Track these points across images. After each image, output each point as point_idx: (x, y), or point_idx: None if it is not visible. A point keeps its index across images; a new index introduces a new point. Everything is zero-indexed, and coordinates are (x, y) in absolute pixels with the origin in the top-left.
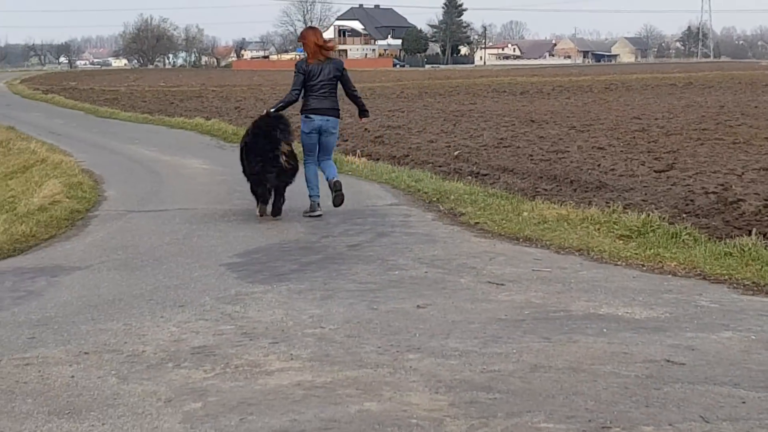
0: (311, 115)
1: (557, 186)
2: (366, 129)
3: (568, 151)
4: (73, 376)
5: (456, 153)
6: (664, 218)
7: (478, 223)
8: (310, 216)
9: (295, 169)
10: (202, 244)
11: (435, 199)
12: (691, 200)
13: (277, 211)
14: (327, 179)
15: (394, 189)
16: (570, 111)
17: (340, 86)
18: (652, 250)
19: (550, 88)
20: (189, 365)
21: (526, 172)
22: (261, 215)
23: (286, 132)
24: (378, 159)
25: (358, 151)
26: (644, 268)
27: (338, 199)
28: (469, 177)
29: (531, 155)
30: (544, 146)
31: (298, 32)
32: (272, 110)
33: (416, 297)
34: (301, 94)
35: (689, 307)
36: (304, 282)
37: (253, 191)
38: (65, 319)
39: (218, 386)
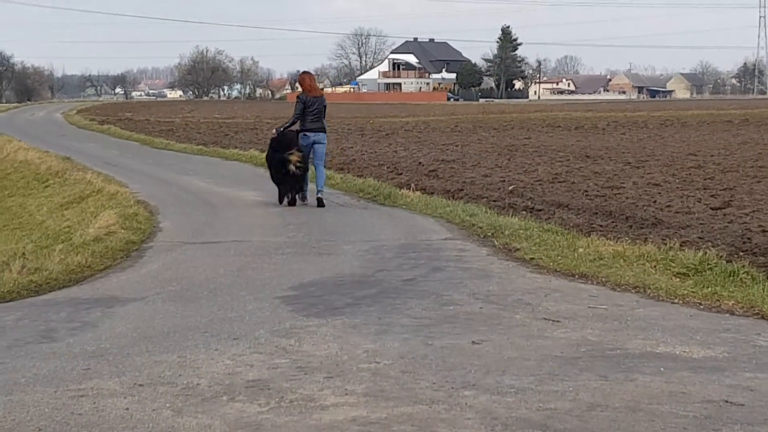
0: (308, 133)
1: (613, 222)
2: (420, 163)
3: (624, 187)
4: (127, 409)
5: (510, 188)
6: (721, 256)
7: (533, 258)
8: (319, 199)
9: (306, 170)
10: (257, 277)
11: (490, 234)
12: (749, 238)
13: (292, 203)
14: (317, 188)
15: (449, 223)
16: (625, 147)
17: None
18: (709, 289)
19: (605, 124)
20: (243, 399)
21: (581, 207)
22: (281, 204)
23: (294, 142)
24: (432, 193)
25: (413, 184)
26: (701, 307)
27: (320, 204)
28: (524, 212)
29: (586, 191)
30: (599, 182)
31: (353, 65)
32: (280, 129)
33: (471, 333)
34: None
35: (748, 347)
36: (358, 316)
37: (278, 189)
38: (120, 350)
39: (273, 420)
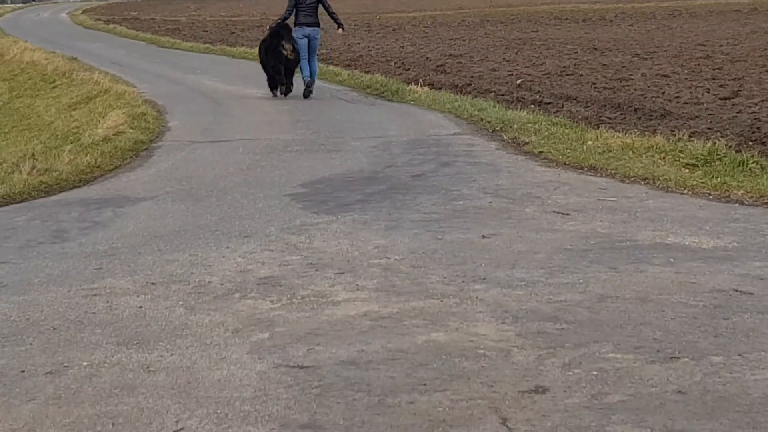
0: (303, 27)
1: (621, 114)
2: (428, 58)
3: (632, 79)
4: (140, 307)
5: (519, 81)
6: (730, 146)
7: (542, 152)
8: (306, 88)
9: (297, 60)
10: (266, 175)
11: (498, 128)
12: (758, 128)
13: (287, 92)
14: (303, 77)
15: (457, 118)
16: (633, 38)
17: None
18: (718, 179)
19: (612, 15)
20: (256, 296)
21: (589, 100)
22: (275, 96)
23: (289, 34)
24: (440, 88)
25: (420, 80)
26: (711, 197)
27: (306, 93)
28: (532, 106)
29: (594, 83)
30: (607, 74)
31: None
32: (272, 24)
33: (481, 227)
34: (293, 13)
35: (757, 237)
36: (368, 212)
37: (270, 80)
38: (132, 249)
39: (285, 317)
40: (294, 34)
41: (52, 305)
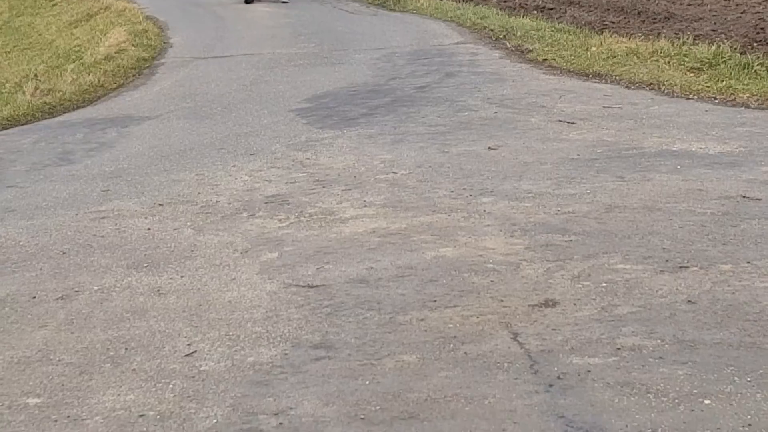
0: None
1: (625, 18)
2: None
3: None
4: (149, 229)
5: None
6: (735, 48)
7: (546, 59)
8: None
9: None
10: (270, 90)
11: (502, 36)
12: (762, 29)
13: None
14: None
15: (460, 27)
16: None
17: None
18: (723, 82)
19: None
20: (263, 215)
21: (592, 4)
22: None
23: None
24: None
25: None
26: (716, 101)
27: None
28: (535, 12)
29: None
30: None
31: None
32: None
33: (487, 138)
34: None
35: (764, 140)
36: (373, 126)
37: None
38: (138, 170)
39: (293, 235)
40: None
41: (61, 229)
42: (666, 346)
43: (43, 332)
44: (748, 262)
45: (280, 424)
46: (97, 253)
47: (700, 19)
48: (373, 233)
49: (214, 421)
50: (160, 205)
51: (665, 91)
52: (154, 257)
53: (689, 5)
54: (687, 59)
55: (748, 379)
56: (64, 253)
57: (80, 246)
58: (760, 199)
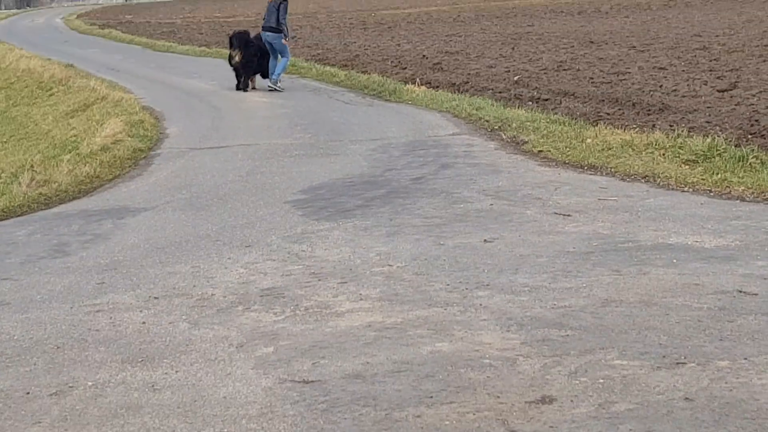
0: (264, 32)
1: (619, 109)
2: (424, 56)
3: (629, 72)
4: (144, 323)
5: (516, 78)
6: (729, 141)
7: (541, 151)
8: (270, 88)
9: (247, 65)
10: (266, 181)
11: (497, 127)
12: (756, 120)
13: (241, 88)
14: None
15: (456, 118)
16: (629, 30)
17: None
18: (718, 175)
19: (608, 7)
20: (259, 308)
21: (587, 95)
22: (237, 89)
23: (239, 42)
24: (437, 86)
25: (417, 79)
26: (711, 194)
27: (270, 89)
28: (530, 103)
29: (591, 78)
30: (604, 68)
31: None
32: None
33: (482, 231)
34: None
35: (759, 234)
36: (369, 218)
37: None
38: (133, 262)
39: (289, 329)
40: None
41: (55, 323)
42: None
43: (36, 429)
44: (746, 359)
45: None
46: (91, 347)
47: (695, 111)
48: (369, 327)
49: None
50: (155, 298)
51: (660, 184)
52: (148, 351)
53: (683, 97)
54: (682, 151)
55: None
56: (58, 348)
57: (75, 340)
58: (756, 294)
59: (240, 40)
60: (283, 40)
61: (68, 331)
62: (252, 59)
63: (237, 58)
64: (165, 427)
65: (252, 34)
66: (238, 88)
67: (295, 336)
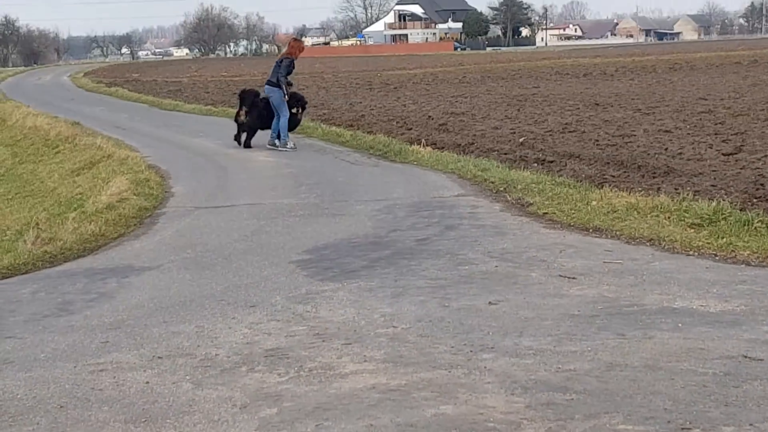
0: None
1: (625, 172)
2: (430, 116)
3: (635, 135)
4: (147, 382)
5: (521, 140)
6: (735, 204)
7: (546, 213)
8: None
9: (250, 123)
10: (271, 241)
11: (502, 188)
12: (762, 184)
13: (242, 145)
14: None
15: (461, 179)
16: (634, 93)
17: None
18: (724, 239)
19: (613, 69)
20: (263, 369)
21: (592, 158)
22: (239, 145)
23: (248, 100)
24: (443, 147)
25: (423, 139)
26: (717, 258)
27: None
28: (536, 164)
29: (597, 140)
30: (609, 130)
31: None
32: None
33: (487, 293)
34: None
35: (765, 299)
36: (374, 279)
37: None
38: (137, 321)
39: (293, 391)
40: None
41: (59, 382)
42: None
43: None
44: (751, 425)
45: None
46: (95, 407)
47: (700, 174)
48: (373, 389)
49: None
50: (159, 357)
51: (666, 247)
52: (152, 412)
53: (689, 160)
54: (687, 215)
55: None
56: (61, 407)
57: (78, 399)
58: (762, 360)
59: (247, 100)
60: (284, 97)
61: (72, 390)
62: (256, 120)
63: (242, 117)
64: None
65: (261, 95)
66: (236, 139)
67: (299, 397)
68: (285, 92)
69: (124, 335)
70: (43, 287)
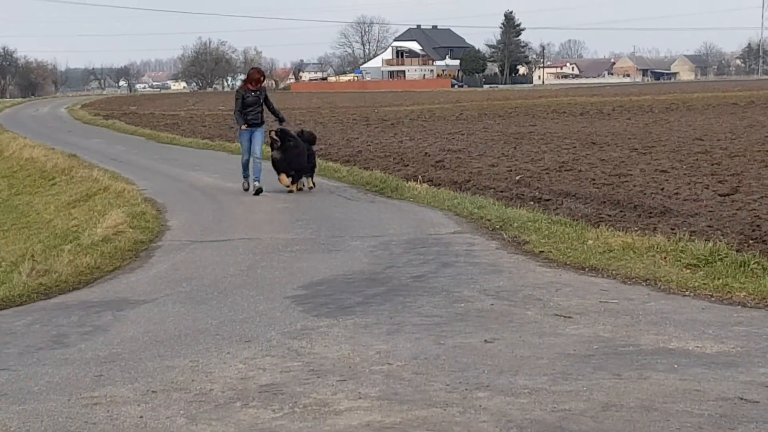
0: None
1: (621, 211)
2: (426, 153)
3: (631, 175)
4: (141, 417)
5: (518, 178)
6: (731, 246)
7: (542, 251)
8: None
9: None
10: (266, 276)
11: (498, 226)
12: (758, 225)
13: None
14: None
15: (457, 216)
16: (631, 132)
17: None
18: (720, 280)
19: (610, 109)
20: (257, 404)
21: (588, 196)
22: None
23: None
24: (440, 184)
25: (420, 176)
26: (713, 299)
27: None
28: (532, 202)
29: (593, 179)
30: (606, 169)
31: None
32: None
33: (483, 331)
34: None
35: (761, 341)
36: (369, 315)
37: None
38: (132, 355)
39: (287, 427)
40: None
41: (52, 415)
42: None
43: None
44: None
45: None
46: None
47: (696, 214)
48: (368, 427)
49: None
50: (153, 392)
51: (661, 288)
52: None
53: (685, 200)
54: (683, 255)
55: None
56: None
57: None
58: (758, 402)
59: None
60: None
61: (65, 424)
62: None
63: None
64: None
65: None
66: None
67: None
68: (239, 126)
69: (118, 369)
70: (38, 319)
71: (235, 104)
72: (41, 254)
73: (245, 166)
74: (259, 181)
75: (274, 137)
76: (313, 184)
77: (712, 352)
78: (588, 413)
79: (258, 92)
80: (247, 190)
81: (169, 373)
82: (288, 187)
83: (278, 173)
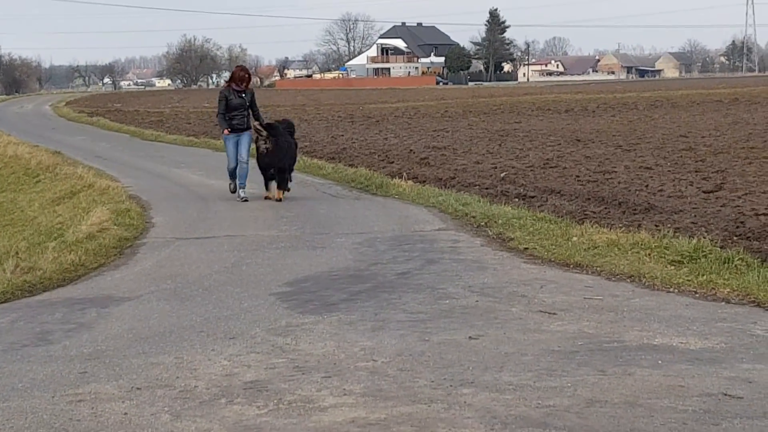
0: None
1: (605, 208)
2: (411, 150)
3: (615, 171)
4: (126, 413)
5: (503, 175)
6: (715, 242)
7: (527, 248)
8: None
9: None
10: (251, 273)
11: (483, 223)
12: (742, 222)
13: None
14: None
15: (442, 213)
16: (616, 129)
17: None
18: (704, 277)
19: (594, 106)
20: (242, 401)
21: (573, 193)
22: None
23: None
24: (424, 181)
25: (404, 173)
26: (697, 295)
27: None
28: (516, 199)
29: (578, 176)
30: (590, 166)
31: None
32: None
33: (468, 327)
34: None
35: (744, 337)
36: (354, 312)
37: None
38: (116, 352)
39: (272, 423)
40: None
41: (36, 412)
42: None
43: None
44: None
45: None
46: None
47: (680, 211)
48: (353, 423)
49: None
50: (137, 388)
51: (646, 284)
52: None
53: (669, 197)
54: (668, 252)
55: None
56: None
57: (56, 430)
58: (741, 398)
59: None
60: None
61: (49, 421)
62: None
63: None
64: None
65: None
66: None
67: (278, 430)
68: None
69: (102, 366)
70: (22, 316)
71: (218, 106)
72: (25, 251)
73: (232, 174)
74: (244, 188)
75: (258, 127)
76: (288, 189)
77: (696, 348)
78: (573, 409)
79: (244, 94)
80: (234, 192)
81: (154, 370)
82: (276, 198)
83: (263, 172)
